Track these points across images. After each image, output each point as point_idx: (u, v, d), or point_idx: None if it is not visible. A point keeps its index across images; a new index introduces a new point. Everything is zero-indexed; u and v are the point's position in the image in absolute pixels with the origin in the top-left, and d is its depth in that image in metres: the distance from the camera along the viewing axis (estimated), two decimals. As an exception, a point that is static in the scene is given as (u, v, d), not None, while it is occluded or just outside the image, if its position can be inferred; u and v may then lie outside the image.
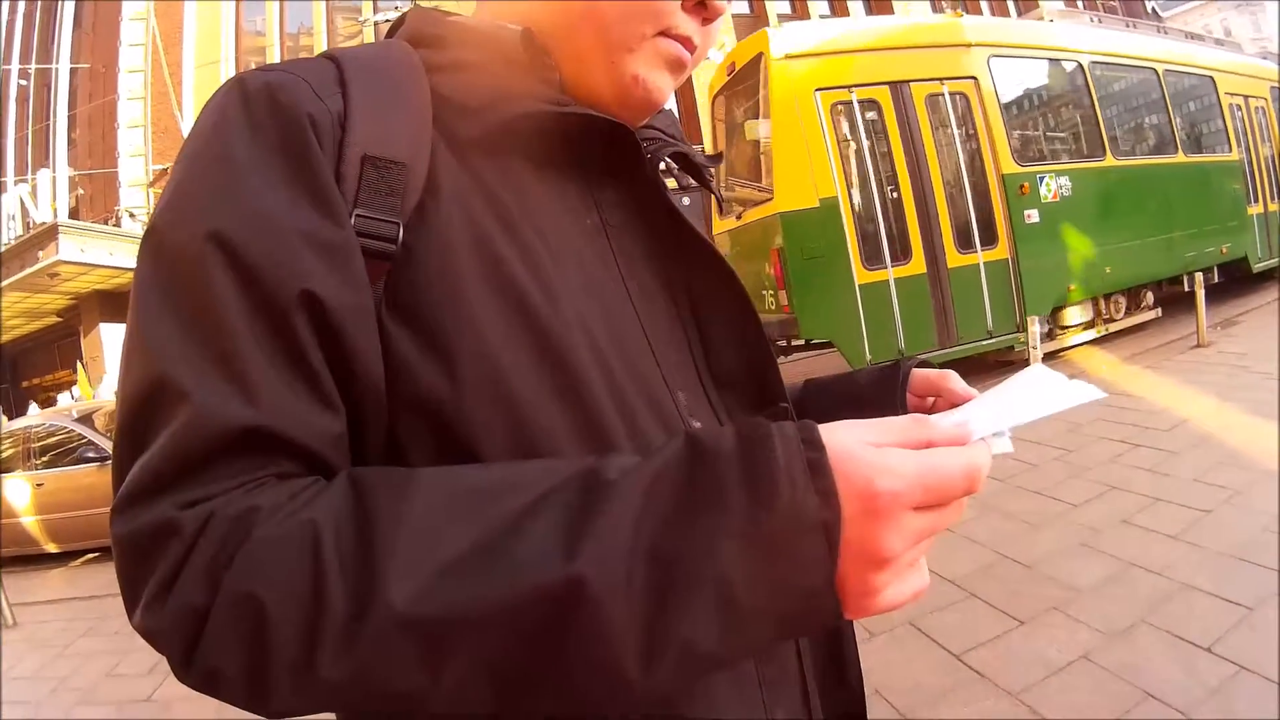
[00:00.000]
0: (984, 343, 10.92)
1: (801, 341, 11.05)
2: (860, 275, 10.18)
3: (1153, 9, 51.94)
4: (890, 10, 33.14)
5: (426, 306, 0.83)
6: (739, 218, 11.44)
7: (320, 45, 28.96)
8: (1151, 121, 13.54)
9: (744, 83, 11.21)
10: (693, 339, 1.07)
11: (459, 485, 0.74)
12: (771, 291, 10.40)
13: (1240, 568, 4.70)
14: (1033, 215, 11.05)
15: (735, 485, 0.68)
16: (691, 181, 1.20)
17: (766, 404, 1.08)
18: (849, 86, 10.38)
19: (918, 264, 10.52)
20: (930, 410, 1.16)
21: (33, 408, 19.61)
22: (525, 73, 0.97)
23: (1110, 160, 12.30)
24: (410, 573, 0.67)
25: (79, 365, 22.38)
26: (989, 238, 10.90)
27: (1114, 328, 11.72)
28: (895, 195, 10.55)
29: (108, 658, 6.47)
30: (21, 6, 30.77)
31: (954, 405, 1.11)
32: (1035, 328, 9.25)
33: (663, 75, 1.02)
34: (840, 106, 10.38)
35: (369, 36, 27.85)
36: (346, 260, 0.80)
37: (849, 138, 10.49)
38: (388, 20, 26.74)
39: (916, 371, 1.21)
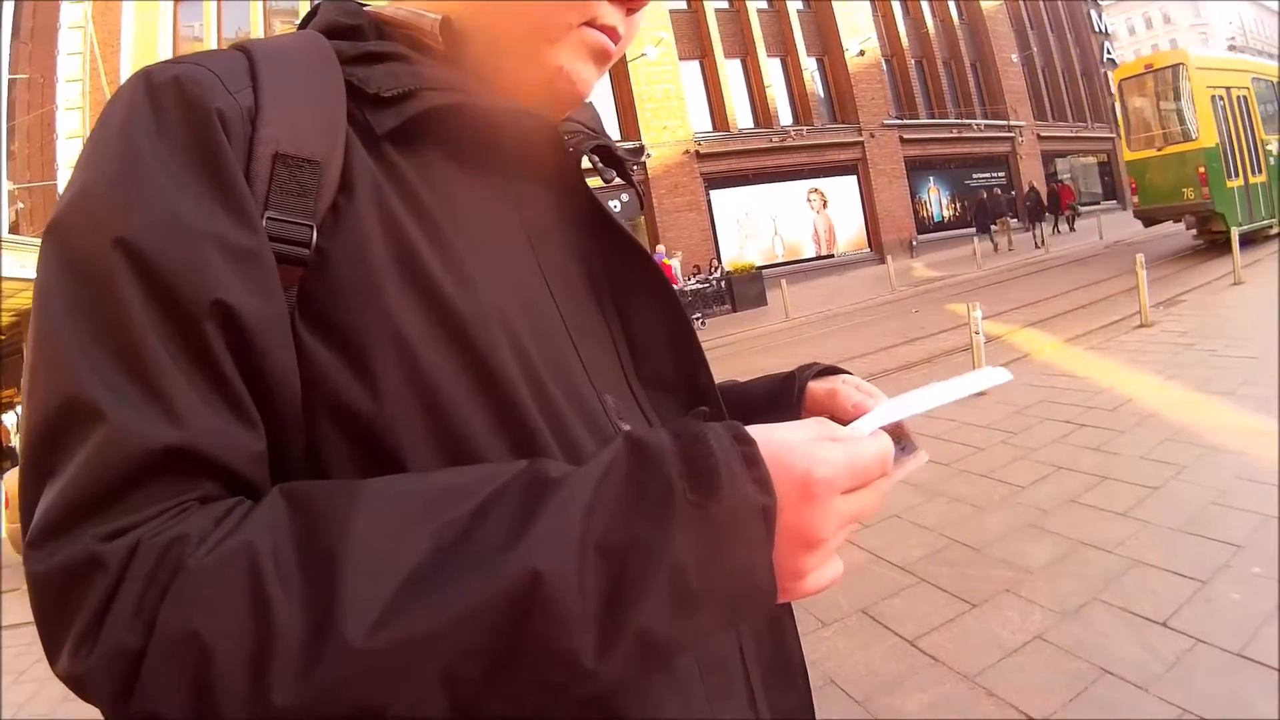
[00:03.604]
0: (1261, 221, 20.14)
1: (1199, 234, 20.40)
2: (1228, 182, 19.17)
3: (1094, -3, 52.92)
4: (830, 9, 34.19)
5: (342, 312, 0.79)
6: (1159, 150, 20.43)
7: (258, 49, 28.88)
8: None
9: (1157, 77, 20.61)
10: (619, 339, 1.06)
11: (400, 495, 0.72)
12: (1193, 188, 19.17)
13: (1191, 542, 4.75)
14: (1272, 159, 20.97)
15: (679, 477, 0.70)
16: (614, 176, 1.18)
17: (697, 403, 1.06)
18: (1213, 87, 19.71)
19: (1240, 181, 19.62)
20: None
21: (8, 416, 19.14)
22: (444, 63, 0.95)
23: None
24: (367, 590, 0.64)
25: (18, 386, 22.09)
26: (1260, 169, 20.58)
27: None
28: (1230, 144, 19.69)
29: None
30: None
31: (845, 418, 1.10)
32: (976, 313, 9.40)
33: (588, 66, 0.99)
34: (1212, 98, 19.52)
35: (308, 39, 27.88)
36: (259, 267, 0.76)
37: (1218, 114, 19.72)
38: (328, 23, 26.86)
39: (810, 386, 1.22)
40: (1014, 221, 33.68)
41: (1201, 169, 19.12)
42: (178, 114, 0.77)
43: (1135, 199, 21.88)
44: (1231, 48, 74.19)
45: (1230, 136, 19.68)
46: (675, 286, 1.10)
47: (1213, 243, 19.10)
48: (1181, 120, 19.96)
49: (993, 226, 33.43)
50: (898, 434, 0.94)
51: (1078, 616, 4.18)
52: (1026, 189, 36.03)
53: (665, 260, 24.27)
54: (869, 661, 4.15)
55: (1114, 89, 22.71)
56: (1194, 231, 20.53)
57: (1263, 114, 21.38)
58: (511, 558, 0.66)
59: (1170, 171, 20.01)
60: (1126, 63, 23.39)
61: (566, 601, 0.66)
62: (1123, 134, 22.38)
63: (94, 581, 0.65)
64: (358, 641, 0.62)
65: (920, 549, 5.33)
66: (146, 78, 0.80)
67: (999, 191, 38.23)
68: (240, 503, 0.72)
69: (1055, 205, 35.51)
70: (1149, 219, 21.60)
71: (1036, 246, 29.94)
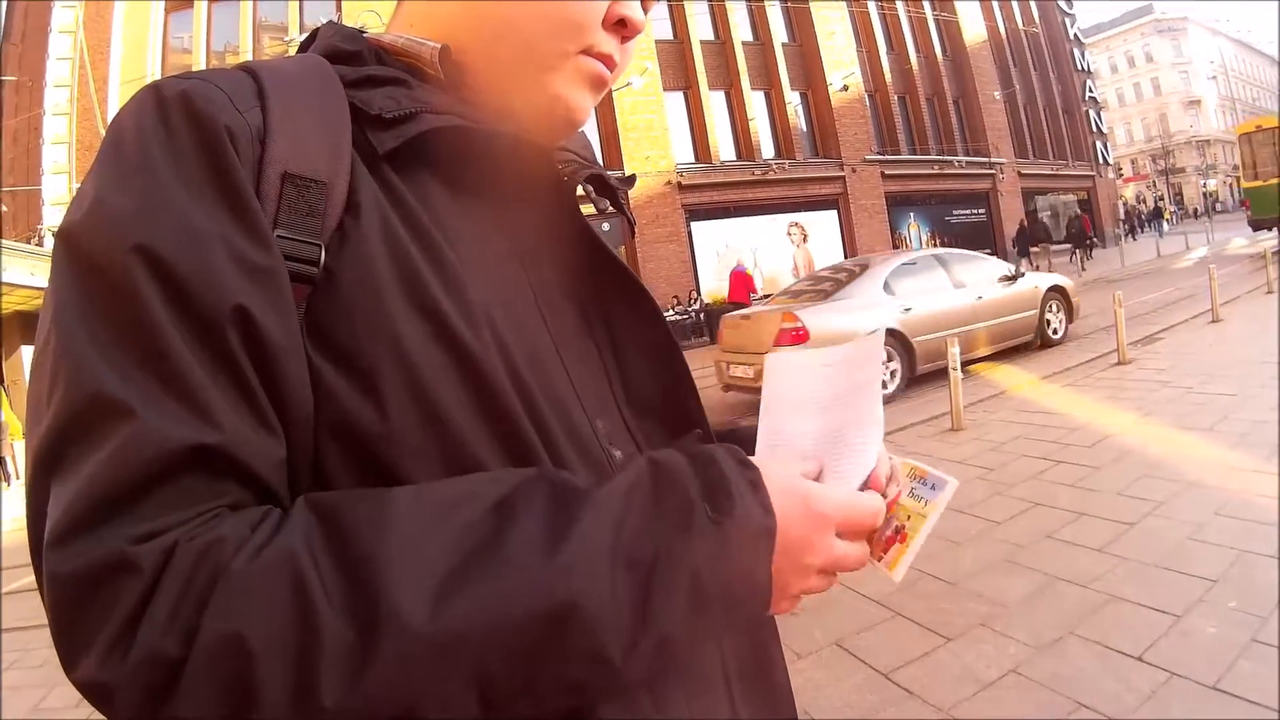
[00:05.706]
0: None
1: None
2: None
3: (1075, 35, 53.36)
4: (809, 16, 35.77)
5: (349, 332, 0.80)
6: (1266, 180, 27.98)
7: (246, 64, 28.97)
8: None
9: (1265, 133, 28.87)
10: (610, 366, 1.06)
11: (426, 500, 0.74)
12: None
13: (1166, 577, 4.73)
14: None
15: (699, 497, 0.80)
16: (608, 205, 1.18)
17: (687, 430, 1.08)
18: None
19: (1305, 192, 27.63)
20: None
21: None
22: (443, 90, 0.96)
23: None
24: (414, 591, 0.67)
25: (0, 389, 21.89)
26: None
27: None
28: None
29: (34, 691, 6.18)
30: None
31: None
32: (955, 349, 9.48)
33: (584, 94, 1.01)
34: None
35: (295, 56, 27.99)
36: (274, 282, 0.76)
37: None
38: (314, 40, 27.01)
39: None
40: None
41: None
42: (187, 129, 0.77)
43: (1249, 213, 30.40)
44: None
45: None
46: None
47: None
48: None
49: (1033, 249, 34.28)
50: (924, 476, 1.04)
51: (1053, 651, 4.15)
52: (1073, 216, 39.52)
53: (746, 271, 24.71)
54: (844, 694, 4.11)
55: (1236, 139, 33.05)
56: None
57: None
58: (546, 577, 0.71)
59: (1275, 195, 27.99)
60: (1243, 122, 34.65)
61: (601, 616, 0.72)
62: (1242, 169, 31.69)
63: (126, 585, 0.64)
64: (414, 623, 0.65)
65: (894, 582, 5.23)
66: (156, 91, 0.80)
67: (1041, 217, 39.79)
68: (270, 511, 0.73)
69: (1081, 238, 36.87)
70: (1258, 226, 29.67)
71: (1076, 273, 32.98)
